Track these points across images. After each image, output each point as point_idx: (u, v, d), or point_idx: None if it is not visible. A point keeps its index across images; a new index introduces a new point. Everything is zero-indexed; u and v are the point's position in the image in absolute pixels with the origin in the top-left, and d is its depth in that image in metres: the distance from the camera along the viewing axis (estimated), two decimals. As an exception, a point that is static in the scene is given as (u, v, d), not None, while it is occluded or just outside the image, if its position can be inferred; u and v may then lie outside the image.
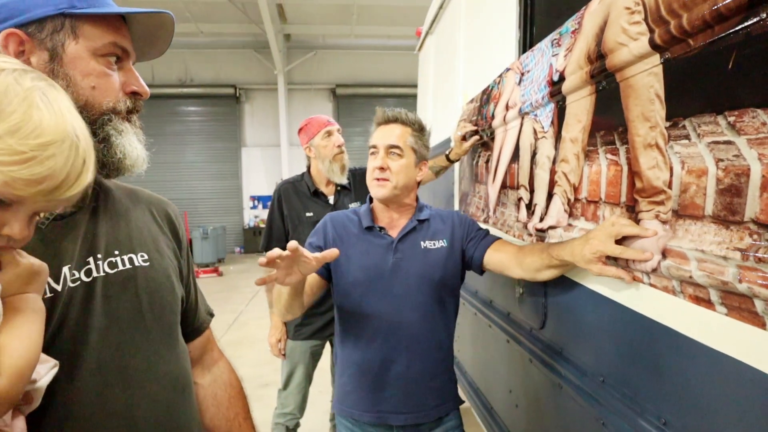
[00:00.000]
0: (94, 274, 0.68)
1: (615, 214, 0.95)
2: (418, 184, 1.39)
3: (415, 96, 4.02)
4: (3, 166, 0.46)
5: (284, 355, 2.14)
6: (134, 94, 0.73)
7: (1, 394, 0.47)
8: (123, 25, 0.71)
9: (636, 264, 0.87)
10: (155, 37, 0.77)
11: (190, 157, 10.80)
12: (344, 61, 10.94)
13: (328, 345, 2.22)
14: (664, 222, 0.81)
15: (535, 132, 1.32)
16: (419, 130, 1.35)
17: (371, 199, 1.39)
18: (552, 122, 1.21)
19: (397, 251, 1.30)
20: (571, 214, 1.13)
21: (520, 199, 1.44)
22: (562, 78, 1.11)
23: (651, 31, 0.79)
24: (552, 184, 1.22)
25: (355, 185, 2.19)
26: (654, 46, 0.79)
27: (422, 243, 1.31)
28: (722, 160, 0.68)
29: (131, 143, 0.71)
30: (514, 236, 1.46)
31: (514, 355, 1.58)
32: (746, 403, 0.66)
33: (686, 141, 0.75)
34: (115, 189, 0.80)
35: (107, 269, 0.70)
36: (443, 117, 2.76)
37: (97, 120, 0.67)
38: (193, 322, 0.92)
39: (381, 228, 1.33)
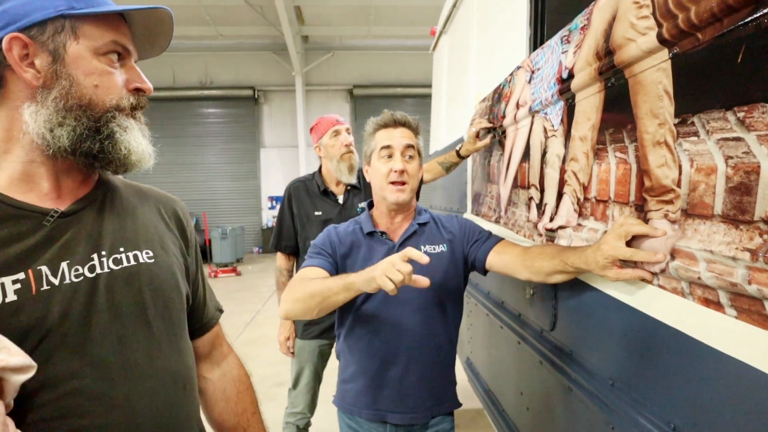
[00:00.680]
0: (98, 270, 0.69)
1: (624, 213, 0.93)
2: (420, 184, 1.38)
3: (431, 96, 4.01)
4: None
5: (293, 353, 2.15)
6: (138, 91, 0.74)
7: None
8: (123, 23, 0.72)
9: (645, 265, 0.85)
10: (155, 34, 0.78)
11: (209, 158, 10.97)
12: (361, 61, 10.97)
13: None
14: (673, 221, 0.78)
15: (545, 130, 1.30)
16: (419, 132, 1.35)
17: (370, 205, 1.39)
18: (562, 120, 1.19)
19: None
20: (580, 214, 1.11)
21: (530, 198, 1.42)
22: (571, 75, 1.09)
23: (659, 25, 0.77)
24: (562, 183, 1.20)
25: (365, 185, 2.17)
26: (662, 41, 0.77)
27: (422, 247, 1.31)
28: (731, 158, 0.66)
29: (136, 139, 0.73)
30: (525, 236, 1.44)
31: (525, 356, 1.55)
32: (758, 408, 0.64)
33: (695, 138, 0.73)
34: (123, 187, 0.82)
35: (112, 266, 0.71)
36: (456, 116, 2.74)
37: (101, 117, 0.69)
38: (202, 318, 0.93)
39: (382, 233, 1.33)
